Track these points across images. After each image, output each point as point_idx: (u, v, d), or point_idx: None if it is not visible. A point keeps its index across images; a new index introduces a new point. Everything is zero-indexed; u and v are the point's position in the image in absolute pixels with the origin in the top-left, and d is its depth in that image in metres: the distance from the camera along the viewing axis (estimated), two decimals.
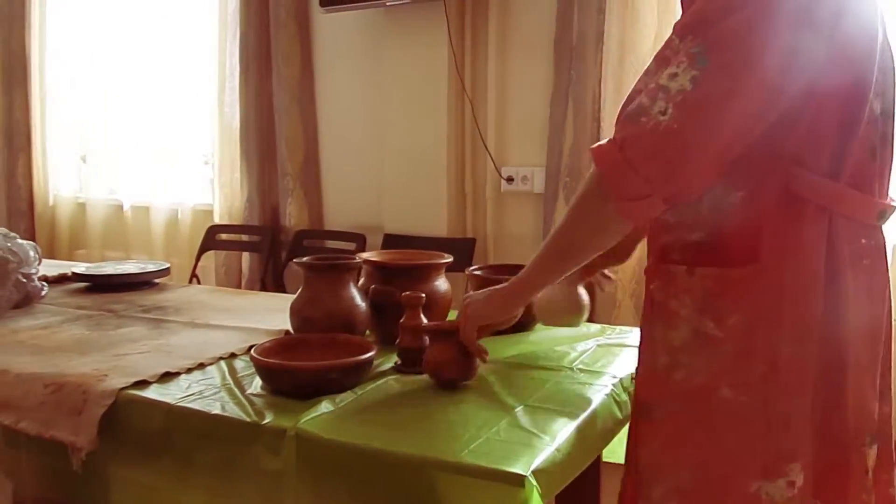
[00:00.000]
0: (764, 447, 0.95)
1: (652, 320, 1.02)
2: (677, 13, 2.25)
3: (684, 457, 0.98)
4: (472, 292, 1.25)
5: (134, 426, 1.16)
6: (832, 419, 0.94)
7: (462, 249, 2.79)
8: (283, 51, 3.09)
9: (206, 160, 3.51)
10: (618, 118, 0.94)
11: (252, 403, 1.13)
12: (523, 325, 1.48)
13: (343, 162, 3.12)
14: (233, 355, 1.38)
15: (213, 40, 3.27)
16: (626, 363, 1.31)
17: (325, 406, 1.10)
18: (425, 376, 1.24)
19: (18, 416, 1.21)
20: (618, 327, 1.57)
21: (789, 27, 0.86)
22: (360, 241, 2.94)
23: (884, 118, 0.96)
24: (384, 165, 2.96)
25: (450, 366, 1.18)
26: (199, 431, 1.11)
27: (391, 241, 2.92)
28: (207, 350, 1.39)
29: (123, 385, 1.20)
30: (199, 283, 3.13)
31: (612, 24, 2.43)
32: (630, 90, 0.94)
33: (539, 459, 0.93)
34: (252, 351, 1.22)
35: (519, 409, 1.10)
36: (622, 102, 0.94)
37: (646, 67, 0.95)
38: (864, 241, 0.96)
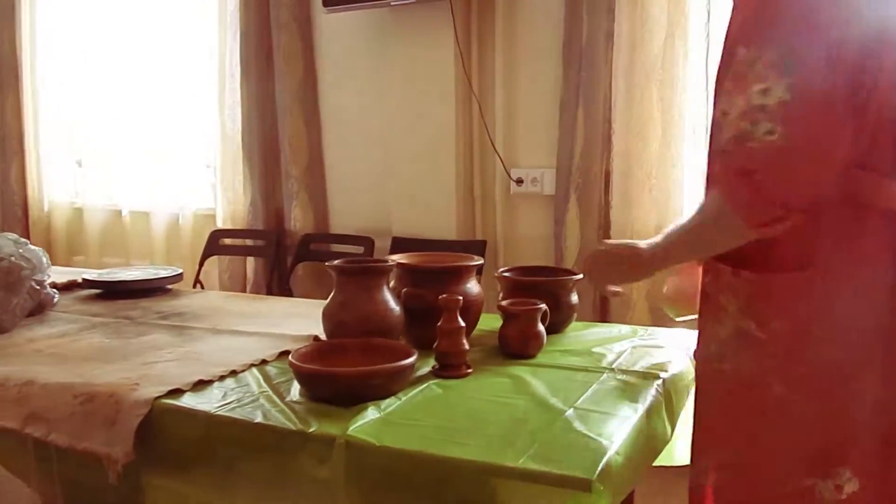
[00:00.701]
0: (813, 446, 0.96)
1: (704, 312, 1.06)
2: (693, 11, 2.26)
3: (732, 438, 1.01)
4: (595, 249, 1.28)
5: (171, 436, 1.13)
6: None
7: (473, 252, 2.76)
8: (284, 51, 3.06)
9: (207, 163, 3.46)
10: (717, 148, 0.95)
11: (294, 411, 1.10)
12: (556, 326, 1.46)
13: (348, 164, 3.09)
14: (264, 362, 1.35)
15: (212, 40, 3.23)
16: (666, 364, 1.30)
17: (371, 412, 1.08)
18: (465, 379, 1.22)
19: (49, 428, 1.17)
20: (649, 328, 1.55)
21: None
22: (369, 245, 2.91)
23: None
24: (391, 167, 2.93)
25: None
26: (241, 440, 1.08)
27: (400, 244, 2.89)
28: (237, 357, 1.36)
29: (158, 394, 1.16)
30: (202, 288, 3.08)
31: (622, 23, 2.42)
32: (712, 113, 0.96)
33: (602, 463, 0.91)
34: (290, 357, 1.18)
35: (569, 412, 1.07)
36: (710, 128, 0.97)
37: (716, 88, 0.96)
38: None
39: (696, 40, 2.33)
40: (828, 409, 0.97)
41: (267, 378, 1.26)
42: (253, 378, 1.26)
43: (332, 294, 1.34)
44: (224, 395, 1.18)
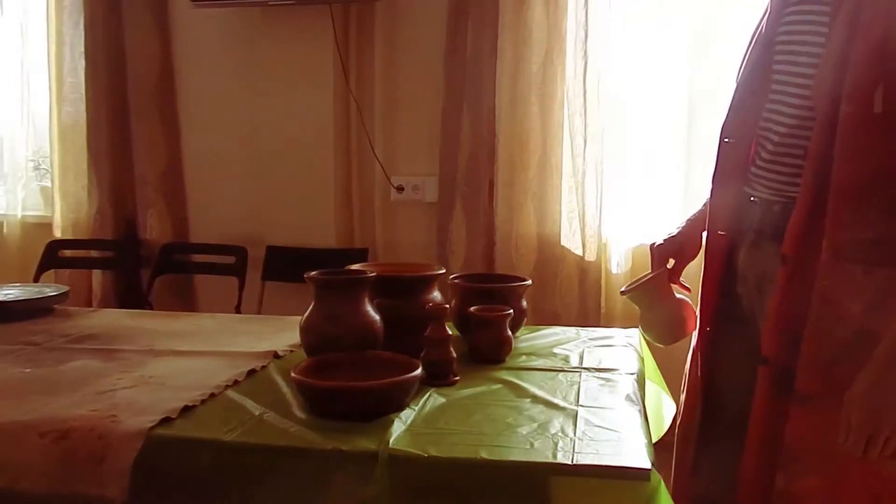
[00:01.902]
0: None
1: (819, 317, 1.08)
2: (570, 30, 2.43)
3: (831, 444, 1.06)
4: None
5: (172, 469, 1.03)
6: None
7: (355, 259, 2.75)
8: (138, 46, 2.83)
9: (36, 164, 3.09)
10: None
11: (314, 429, 1.06)
12: (511, 331, 1.51)
13: (212, 169, 2.91)
14: (236, 382, 1.27)
15: (41, 26, 2.88)
16: (626, 361, 1.41)
17: (397, 425, 1.07)
18: (456, 387, 1.24)
19: (15, 476, 1.02)
20: (587, 329, 1.65)
21: None
22: (241, 255, 2.77)
23: None
24: (263, 173, 2.82)
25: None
26: (262, 467, 1.02)
27: (276, 253, 2.79)
28: (204, 379, 1.26)
29: (149, 424, 1.06)
30: None
31: (506, 39, 2.54)
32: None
33: (647, 453, 0.99)
34: (293, 374, 1.13)
35: (581, 410, 1.14)
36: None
37: None
38: None
39: (574, 58, 2.51)
40: None
41: (255, 397, 1.19)
42: (238, 399, 1.18)
43: (311, 308, 1.29)
44: (224, 420, 1.10)
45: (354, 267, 1.46)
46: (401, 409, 1.12)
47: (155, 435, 1.04)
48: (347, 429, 1.06)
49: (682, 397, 1.44)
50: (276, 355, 1.41)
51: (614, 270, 2.58)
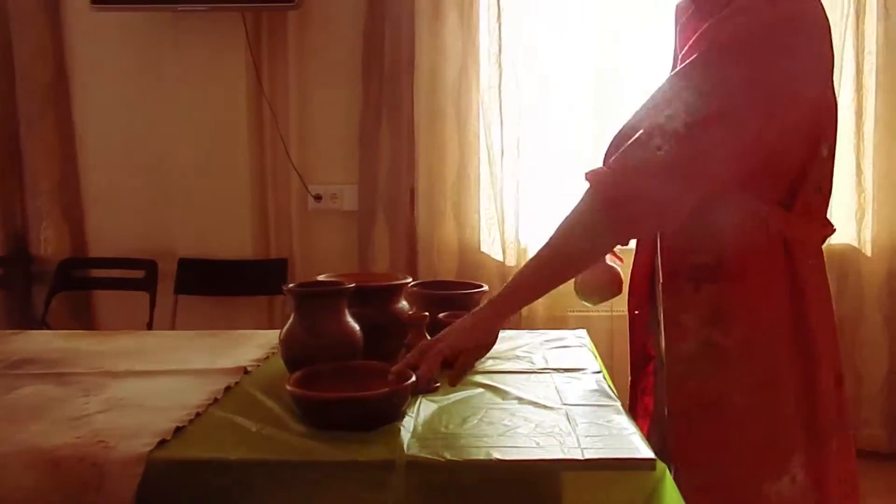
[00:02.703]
0: (769, 448, 1.14)
1: (666, 334, 1.18)
2: (484, 44, 2.51)
3: (702, 458, 1.14)
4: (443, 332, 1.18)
5: (179, 493, 0.99)
6: (814, 411, 1.14)
7: (274, 271, 2.70)
8: (29, 48, 2.64)
9: None
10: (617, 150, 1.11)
11: (323, 441, 1.05)
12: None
13: (113, 179, 2.77)
14: (216, 400, 1.23)
15: None
16: (587, 360, 1.49)
17: (403, 432, 1.08)
18: (439, 393, 1.27)
19: None
20: (538, 332, 1.72)
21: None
22: (151, 268, 2.64)
23: (829, 159, 1.20)
24: (171, 183, 2.71)
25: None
26: (272, 483, 1.00)
27: (189, 266, 2.68)
28: (181, 398, 1.21)
29: (147, 447, 1.01)
30: None
31: (423, 52, 2.59)
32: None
33: (646, 445, 1.06)
34: (288, 386, 1.12)
35: (570, 409, 1.20)
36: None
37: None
38: (811, 261, 1.18)
39: (489, 70, 2.60)
40: (776, 410, 1.13)
41: (242, 414, 1.16)
42: (226, 417, 1.15)
43: (291, 321, 1.27)
44: (220, 439, 1.07)
45: (320, 278, 1.46)
46: (397, 417, 1.13)
47: (155, 459, 1.00)
48: (352, 439, 1.06)
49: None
50: (245, 370, 1.37)
51: None
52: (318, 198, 2.76)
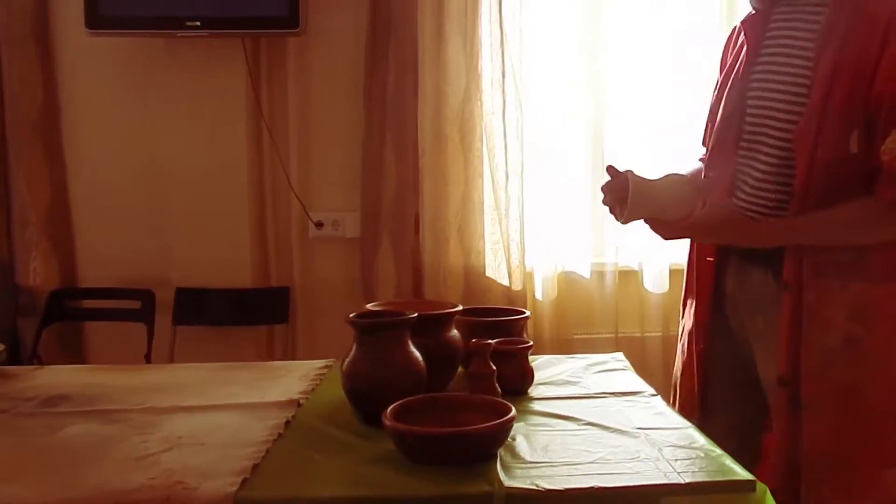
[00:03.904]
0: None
1: (808, 329, 1.24)
2: (486, 69, 2.51)
3: (842, 451, 1.20)
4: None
5: None
6: None
7: (276, 299, 2.64)
8: (19, 74, 2.54)
9: None
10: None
11: (414, 477, 1.01)
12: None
13: (105, 208, 2.66)
14: (280, 436, 1.18)
15: None
16: (636, 383, 1.47)
17: (497, 464, 1.05)
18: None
19: None
20: (574, 356, 1.70)
21: None
22: (148, 298, 2.55)
23: None
24: (167, 211, 2.63)
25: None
26: None
27: (188, 295, 2.60)
28: (240, 435, 1.16)
29: (232, 487, 0.96)
30: None
31: (427, 76, 2.58)
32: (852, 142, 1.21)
33: (738, 465, 1.05)
34: (389, 422, 1.07)
35: (648, 432, 1.18)
36: (887, 164, 1.17)
37: (872, 127, 1.18)
38: None
39: (492, 96, 2.60)
40: None
41: (312, 448, 1.11)
42: (298, 452, 1.10)
43: (354, 352, 1.23)
44: (303, 476, 1.02)
45: (370, 307, 1.42)
46: (494, 453, 1.09)
47: (242, 499, 0.95)
48: (447, 473, 1.02)
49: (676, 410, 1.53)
50: (298, 403, 1.32)
51: (540, 298, 2.68)
52: (319, 225, 2.70)
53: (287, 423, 1.23)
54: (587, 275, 2.73)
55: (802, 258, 1.26)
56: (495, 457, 1.07)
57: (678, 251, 2.68)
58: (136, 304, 2.54)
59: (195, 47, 2.56)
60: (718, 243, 1.38)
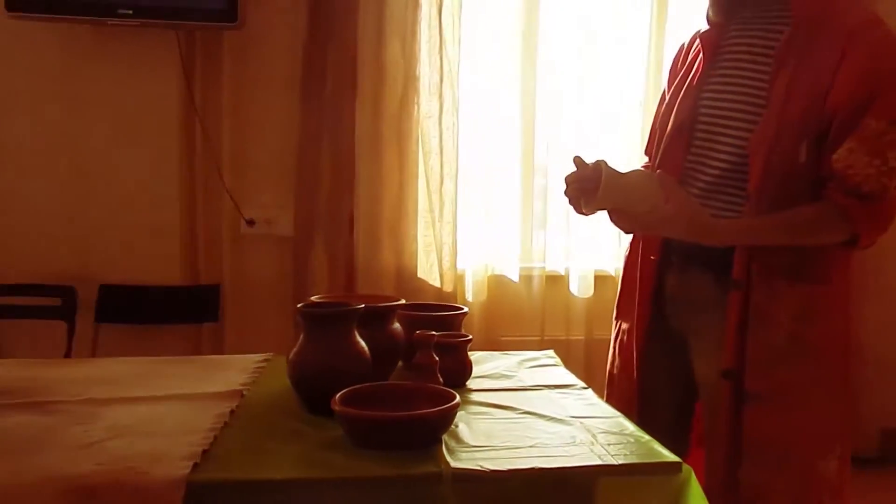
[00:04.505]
0: (827, 432, 1.34)
1: (754, 325, 1.32)
2: (424, 73, 2.56)
3: (784, 439, 1.30)
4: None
5: None
6: (855, 405, 1.37)
7: (204, 297, 2.60)
8: None
9: None
10: (857, 190, 1.25)
11: (361, 459, 1.04)
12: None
13: (26, 202, 2.56)
14: (226, 424, 1.18)
15: None
16: (568, 377, 1.54)
17: (442, 447, 1.09)
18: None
19: None
20: (507, 353, 1.76)
21: None
22: (69, 295, 2.47)
23: None
24: (92, 205, 2.55)
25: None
26: (322, 501, 0.98)
27: (112, 292, 2.53)
28: (187, 423, 1.16)
29: (184, 470, 0.96)
30: None
31: (365, 77, 2.61)
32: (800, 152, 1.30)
33: (665, 449, 1.13)
34: (335, 406, 1.09)
35: (584, 420, 1.25)
36: (839, 172, 1.26)
37: (849, 146, 1.25)
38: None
39: (429, 100, 2.65)
40: (841, 399, 1.35)
41: (261, 436, 1.13)
42: (247, 439, 1.12)
43: (301, 342, 1.25)
44: (255, 460, 1.03)
45: (314, 299, 1.44)
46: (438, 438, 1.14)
47: (193, 481, 0.96)
48: (394, 456, 1.06)
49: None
50: (241, 394, 1.33)
51: (470, 299, 2.74)
52: (251, 222, 2.68)
53: (232, 412, 1.23)
54: (516, 278, 2.81)
55: (752, 259, 1.33)
56: (440, 441, 1.12)
57: (603, 257, 2.84)
58: (55, 302, 2.46)
59: (125, 36, 2.51)
60: (677, 238, 1.39)
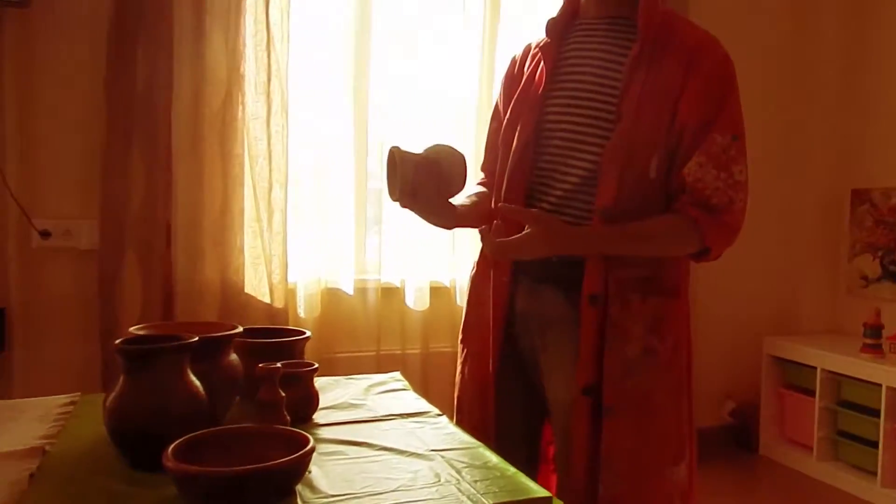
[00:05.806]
0: (677, 439, 1.36)
1: (610, 339, 1.32)
2: (251, 71, 2.35)
3: (633, 451, 1.32)
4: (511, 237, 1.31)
5: None
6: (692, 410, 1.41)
7: None
8: None
9: None
10: (707, 203, 1.29)
11: None
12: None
13: None
14: (23, 493, 0.97)
15: None
16: (418, 404, 1.46)
17: (307, 498, 0.96)
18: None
19: None
20: (351, 378, 1.64)
21: None
22: None
23: None
24: None
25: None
26: None
27: None
28: None
29: None
30: None
31: (183, 74, 2.37)
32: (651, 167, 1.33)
33: (533, 483, 1.08)
34: (169, 463, 0.92)
35: (445, 453, 1.16)
36: (690, 185, 1.31)
37: (698, 160, 1.29)
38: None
39: (255, 101, 2.47)
40: (685, 407, 1.39)
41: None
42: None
43: (122, 384, 1.05)
44: None
45: (133, 330, 1.24)
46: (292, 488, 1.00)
47: None
48: None
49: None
50: (43, 450, 1.10)
51: (303, 315, 2.58)
52: (45, 234, 2.33)
53: (31, 476, 1.02)
54: (351, 291, 2.70)
55: (607, 274, 1.33)
56: (294, 493, 0.99)
57: (439, 269, 2.80)
58: None
59: None
60: (539, 256, 1.32)
